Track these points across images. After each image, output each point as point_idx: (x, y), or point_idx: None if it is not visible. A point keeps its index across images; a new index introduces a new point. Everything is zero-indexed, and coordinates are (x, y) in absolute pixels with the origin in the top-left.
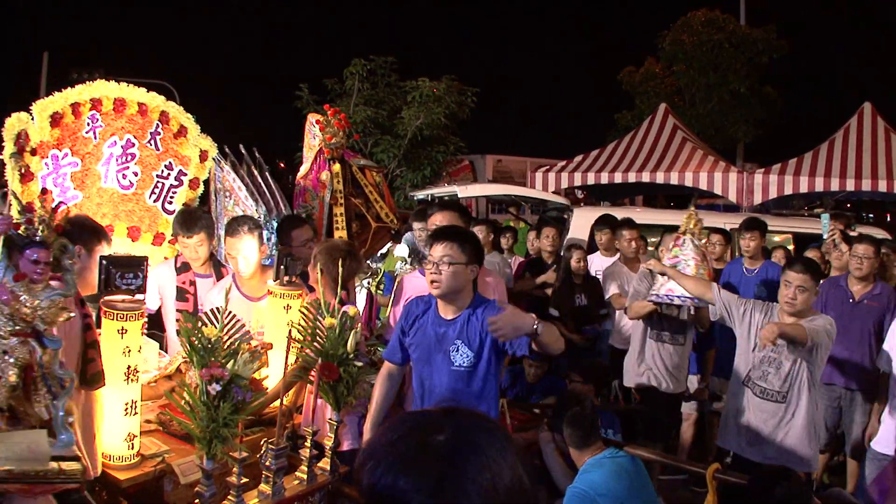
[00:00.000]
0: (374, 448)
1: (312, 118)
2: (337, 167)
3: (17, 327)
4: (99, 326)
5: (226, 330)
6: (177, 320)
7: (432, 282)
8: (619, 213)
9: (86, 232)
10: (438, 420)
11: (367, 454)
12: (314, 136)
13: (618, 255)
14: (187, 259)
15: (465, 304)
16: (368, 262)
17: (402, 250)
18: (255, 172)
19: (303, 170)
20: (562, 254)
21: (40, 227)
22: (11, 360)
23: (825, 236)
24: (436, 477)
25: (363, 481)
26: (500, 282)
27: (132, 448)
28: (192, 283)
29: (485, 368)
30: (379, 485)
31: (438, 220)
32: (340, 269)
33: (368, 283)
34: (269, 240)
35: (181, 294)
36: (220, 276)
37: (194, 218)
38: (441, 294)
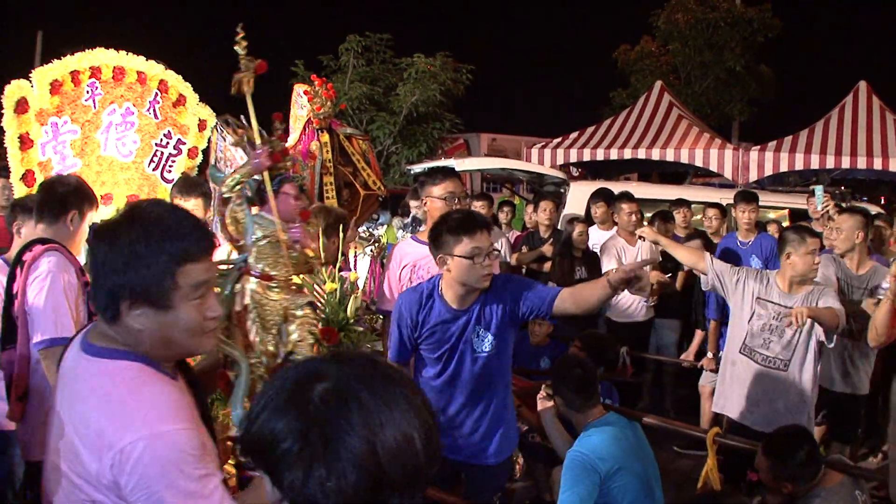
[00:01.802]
0: (261, 395)
1: (300, 88)
2: (325, 137)
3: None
4: None
5: None
6: None
7: (488, 275)
8: (616, 188)
9: (82, 197)
10: (324, 368)
11: (254, 402)
12: (301, 107)
13: (615, 228)
14: None
15: (478, 292)
16: (365, 227)
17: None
18: None
19: (291, 140)
20: (559, 228)
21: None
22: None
23: (819, 207)
24: (307, 422)
25: (244, 428)
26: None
27: None
28: None
29: (505, 344)
30: (256, 428)
31: (451, 187)
32: (341, 235)
33: (371, 250)
34: None
35: None
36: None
37: (193, 183)
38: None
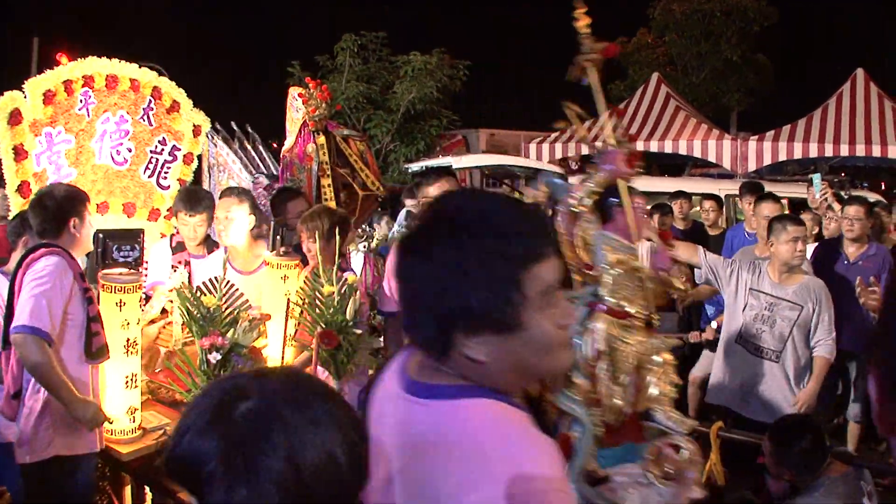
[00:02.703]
0: (185, 413)
1: (294, 91)
2: (322, 139)
3: None
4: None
5: (225, 299)
6: (169, 301)
7: None
8: None
9: (75, 201)
10: (247, 385)
11: (179, 421)
12: (297, 110)
13: None
14: (184, 238)
15: None
16: (363, 227)
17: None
18: (248, 147)
19: (288, 143)
20: None
21: None
22: None
23: (817, 196)
24: (230, 443)
25: (169, 448)
26: None
27: (133, 421)
28: (187, 264)
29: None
30: (180, 449)
31: (447, 186)
32: (337, 237)
33: (364, 246)
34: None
35: (175, 270)
36: None
37: (199, 197)
38: None
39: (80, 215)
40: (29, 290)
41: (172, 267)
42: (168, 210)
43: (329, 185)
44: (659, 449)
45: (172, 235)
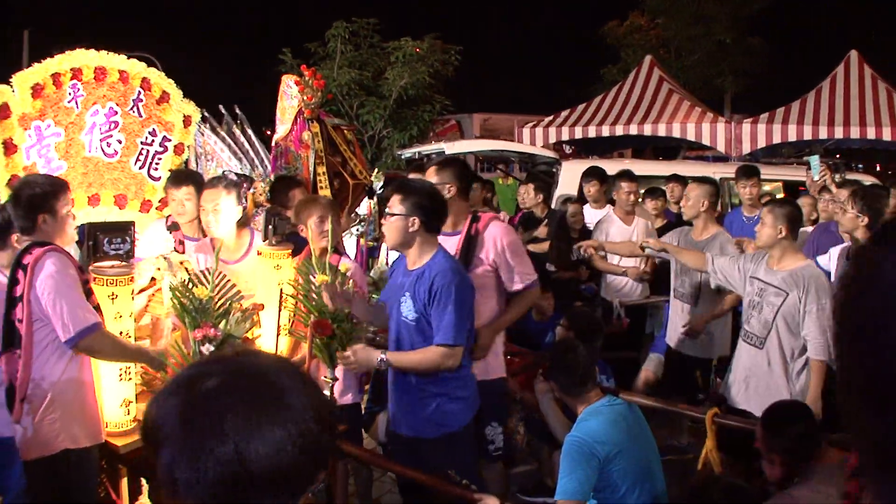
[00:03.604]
0: (166, 382)
1: (289, 79)
2: (316, 127)
3: None
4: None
5: (217, 290)
6: (157, 269)
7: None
8: (608, 166)
9: (46, 197)
10: (212, 368)
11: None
12: (292, 98)
13: (608, 207)
14: (174, 216)
15: (423, 261)
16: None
17: None
18: (237, 132)
19: (282, 131)
20: (553, 208)
21: None
22: None
23: (815, 178)
24: (187, 411)
25: (145, 411)
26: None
27: (129, 414)
28: (182, 243)
29: (428, 325)
30: (149, 408)
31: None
32: (331, 226)
33: (357, 230)
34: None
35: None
36: None
37: (185, 173)
38: (389, 247)
39: (50, 210)
40: (54, 299)
41: (176, 247)
42: (160, 201)
43: (324, 173)
44: None
45: (168, 217)
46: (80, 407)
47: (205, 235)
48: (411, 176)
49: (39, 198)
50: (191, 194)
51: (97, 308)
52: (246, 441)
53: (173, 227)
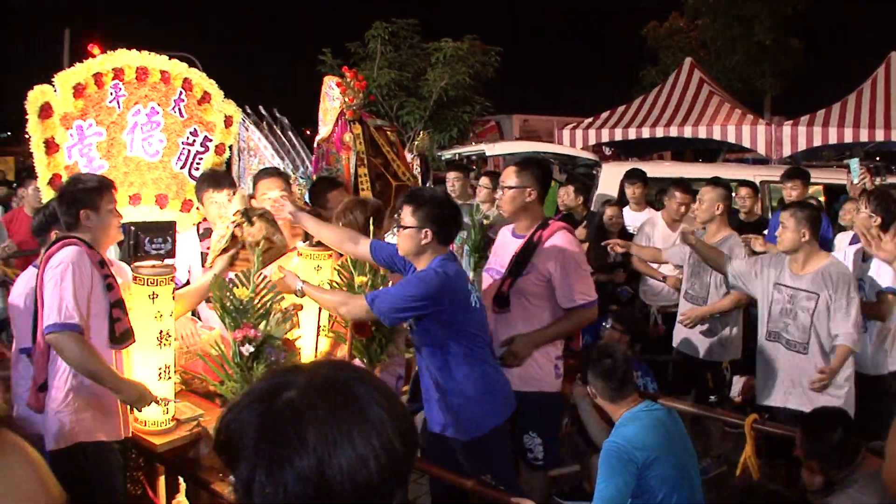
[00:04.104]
0: (243, 393)
1: (331, 80)
2: (358, 128)
3: None
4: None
5: (257, 290)
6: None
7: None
8: (648, 168)
9: (91, 193)
10: (290, 379)
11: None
12: (334, 99)
13: (647, 209)
14: (211, 220)
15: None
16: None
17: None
18: (278, 132)
19: (324, 132)
20: (593, 210)
21: None
22: None
23: (855, 181)
24: (266, 423)
25: (220, 421)
26: None
27: (167, 413)
28: None
29: (426, 329)
30: (226, 419)
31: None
32: (372, 227)
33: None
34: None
35: (205, 259)
36: None
37: (223, 174)
38: (401, 255)
39: (93, 206)
40: (50, 288)
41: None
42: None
43: (366, 175)
44: None
45: (198, 224)
46: (98, 402)
47: None
48: (450, 175)
49: (82, 193)
50: (231, 197)
51: (118, 302)
52: (329, 455)
53: (205, 235)
